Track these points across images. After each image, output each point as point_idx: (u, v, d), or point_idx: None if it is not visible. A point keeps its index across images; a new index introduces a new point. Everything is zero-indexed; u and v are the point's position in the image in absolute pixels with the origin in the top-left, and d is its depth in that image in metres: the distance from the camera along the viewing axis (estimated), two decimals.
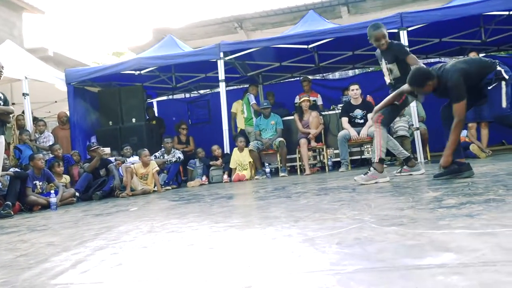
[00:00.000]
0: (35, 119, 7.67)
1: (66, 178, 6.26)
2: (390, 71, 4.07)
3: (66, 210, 4.73)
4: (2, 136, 4.51)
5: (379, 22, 4.19)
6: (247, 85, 8.66)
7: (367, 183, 3.78)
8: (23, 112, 7.59)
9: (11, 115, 4.63)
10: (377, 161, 3.90)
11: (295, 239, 1.77)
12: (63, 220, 3.63)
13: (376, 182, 3.78)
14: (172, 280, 1.37)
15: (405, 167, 4.38)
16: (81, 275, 1.55)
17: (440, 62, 9.12)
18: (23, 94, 7.19)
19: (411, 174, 4.26)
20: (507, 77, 3.30)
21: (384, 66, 4.12)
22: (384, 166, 4.02)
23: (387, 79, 4.17)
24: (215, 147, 7.21)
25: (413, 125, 6.56)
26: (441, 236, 1.54)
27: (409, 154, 4.41)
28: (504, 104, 3.29)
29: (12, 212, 4.74)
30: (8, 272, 1.72)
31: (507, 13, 6.50)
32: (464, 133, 6.70)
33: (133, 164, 6.36)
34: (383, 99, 4.28)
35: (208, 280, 1.33)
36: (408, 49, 4.19)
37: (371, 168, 3.91)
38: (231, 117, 8.38)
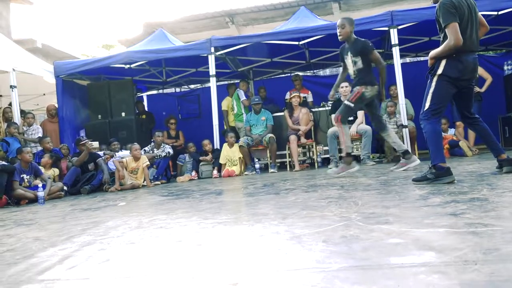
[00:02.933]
0: (23, 112, 7.58)
1: (54, 171, 6.21)
2: (354, 62, 4.46)
3: (54, 205, 4.69)
4: None
5: (351, 18, 4.65)
6: (236, 81, 8.65)
7: (338, 175, 4.40)
8: (10, 104, 7.50)
9: None
10: (345, 155, 4.51)
11: (282, 236, 1.79)
12: (51, 215, 3.61)
13: (347, 173, 4.40)
14: (159, 276, 1.38)
15: (402, 160, 4.56)
16: (68, 271, 1.55)
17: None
18: (11, 87, 7.08)
19: (407, 169, 4.42)
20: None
21: (349, 58, 4.51)
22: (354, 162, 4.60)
23: (351, 70, 4.55)
24: (206, 141, 7.20)
25: (402, 125, 6.62)
26: (425, 234, 1.57)
27: (406, 148, 4.63)
28: None
29: None
30: None
31: (495, 13, 6.56)
32: (452, 131, 6.79)
33: (122, 158, 6.33)
34: None
35: (195, 276, 1.34)
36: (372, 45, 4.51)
37: (341, 162, 4.50)
38: (223, 116, 8.38)
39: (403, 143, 6.46)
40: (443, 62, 3.21)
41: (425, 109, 3.24)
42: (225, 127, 8.23)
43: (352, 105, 4.49)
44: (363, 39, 4.52)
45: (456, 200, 2.24)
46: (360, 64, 4.45)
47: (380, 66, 4.55)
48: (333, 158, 6.43)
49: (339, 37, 4.54)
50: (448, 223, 1.72)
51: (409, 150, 4.93)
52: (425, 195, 2.57)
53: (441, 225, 1.69)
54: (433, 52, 3.30)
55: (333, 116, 6.62)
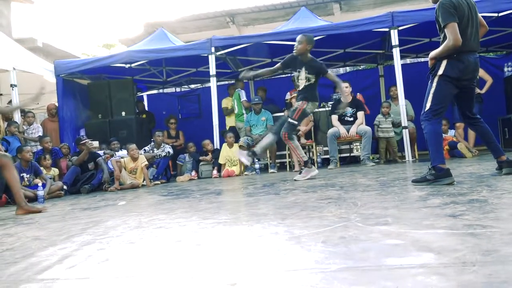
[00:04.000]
0: (23, 111, 7.58)
1: (54, 171, 6.21)
2: (308, 79, 4.72)
3: (54, 204, 4.70)
4: None
5: (312, 37, 4.95)
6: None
7: (303, 179, 4.60)
8: (9, 102, 7.50)
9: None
10: (303, 164, 4.81)
11: (281, 237, 1.79)
12: (50, 214, 3.61)
13: (311, 176, 4.67)
14: (158, 276, 1.38)
15: (304, 170, 4.78)
16: (68, 270, 1.55)
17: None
18: (11, 85, 7.09)
19: (309, 178, 4.65)
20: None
21: (303, 73, 4.74)
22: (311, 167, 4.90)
23: (301, 84, 4.78)
24: (206, 141, 7.20)
25: (398, 123, 6.63)
26: (424, 236, 1.57)
27: (307, 158, 4.94)
28: None
29: None
30: None
31: (496, 15, 6.57)
32: (451, 132, 6.79)
33: (122, 158, 6.34)
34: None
35: (194, 276, 1.35)
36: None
37: (303, 168, 4.79)
38: (226, 113, 8.35)
39: (404, 144, 6.49)
40: (444, 62, 3.20)
41: (425, 109, 3.23)
42: (226, 127, 8.22)
43: (296, 122, 4.76)
44: (319, 61, 4.84)
45: (455, 202, 2.24)
46: (312, 81, 4.72)
47: (336, 83, 4.90)
48: (333, 159, 6.44)
49: (294, 51, 4.80)
50: (447, 224, 1.72)
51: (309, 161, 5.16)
52: (425, 196, 2.57)
53: (440, 227, 1.69)
54: (433, 53, 3.29)
55: (332, 116, 6.68)
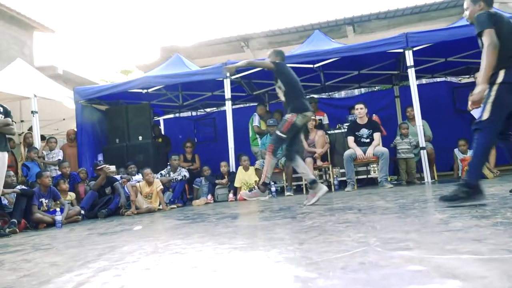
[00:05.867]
0: (43, 138, 7.73)
1: (71, 196, 6.28)
2: (279, 87, 4.57)
3: (71, 229, 4.72)
4: (5, 153, 4.53)
5: (278, 50, 4.80)
6: (254, 104, 8.68)
7: (250, 199, 4.57)
8: (30, 128, 7.67)
9: (11, 127, 4.62)
10: (261, 183, 4.54)
11: (299, 262, 1.75)
12: (68, 239, 3.62)
13: (257, 199, 4.57)
14: None
15: (310, 191, 4.50)
16: None
17: (446, 81, 9.15)
18: (32, 112, 7.27)
19: (318, 199, 4.36)
20: None
21: (276, 87, 4.67)
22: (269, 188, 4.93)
23: (281, 97, 4.67)
24: (223, 163, 7.22)
25: (416, 146, 6.56)
26: (447, 261, 1.51)
27: (314, 177, 4.59)
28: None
29: (17, 230, 4.75)
30: None
31: None
32: (471, 152, 6.66)
33: (138, 182, 6.37)
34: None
35: None
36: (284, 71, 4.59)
37: (256, 187, 4.63)
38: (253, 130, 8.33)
39: (423, 165, 6.38)
40: (502, 72, 3.03)
41: (482, 119, 3.04)
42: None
43: (284, 136, 4.43)
44: (281, 64, 4.68)
45: (478, 225, 2.17)
46: (283, 87, 4.50)
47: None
48: (350, 181, 6.35)
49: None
50: (471, 249, 1.66)
51: (316, 179, 4.78)
52: (446, 219, 2.49)
53: (464, 251, 1.63)
54: (480, 75, 3.09)
55: (349, 138, 6.63)
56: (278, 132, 4.44)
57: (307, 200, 4.44)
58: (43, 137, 7.79)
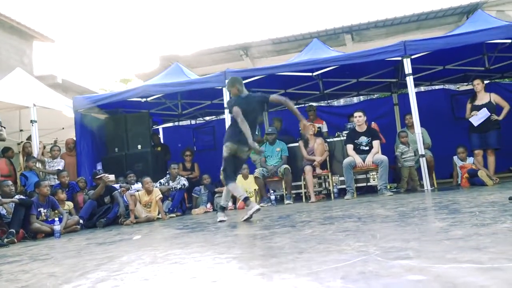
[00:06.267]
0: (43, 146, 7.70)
1: (69, 205, 6.25)
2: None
3: (70, 238, 4.70)
4: None
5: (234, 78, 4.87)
6: None
7: (218, 220, 4.54)
8: (29, 137, 7.66)
9: (1, 132, 4.59)
10: (219, 207, 4.85)
11: (299, 272, 1.74)
12: (66, 249, 3.60)
13: (219, 220, 4.54)
14: None
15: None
16: None
17: (444, 89, 9.18)
18: (31, 121, 7.27)
19: (251, 215, 4.31)
20: None
21: None
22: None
23: None
24: None
25: (415, 153, 6.56)
26: (447, 270, 1.50)
27: (225, 205, 4.86)
28: None
29: (15, 240, 4.72)
30: None
31: (509, 41, 6.55)
32: (470, 160, 6.66)
33: (137, 191, 6.35)
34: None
35: None
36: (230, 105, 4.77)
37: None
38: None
39: (422, 173, 6.37)
40: None
41: None
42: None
43: (222, 167, 4.70)
44: (232, 98, 4.83)
45: (478, 233, 2.16)
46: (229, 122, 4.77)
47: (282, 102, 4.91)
48: (350, 189, 6.34)
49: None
50: (471, 258, 1.65)
51: (226, 207, 5.07)
52: (446, 227, 2.49)
53: (464, 260, 1.62)
54: None
55: (348, 146, 6.62)
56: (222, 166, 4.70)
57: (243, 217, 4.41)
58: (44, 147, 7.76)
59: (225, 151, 4.65)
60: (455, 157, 6.83)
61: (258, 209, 4.37)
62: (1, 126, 4.66)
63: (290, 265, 1.89)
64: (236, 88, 4.73)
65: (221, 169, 4.70)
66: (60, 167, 7.27)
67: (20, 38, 12.46)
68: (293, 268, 1.82)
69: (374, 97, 10.35)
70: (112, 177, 6.51)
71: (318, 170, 6.88)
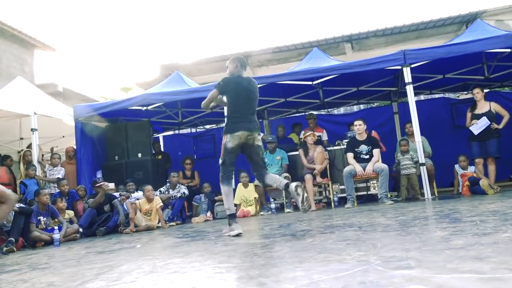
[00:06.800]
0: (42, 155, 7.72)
1: (69, 214, 6.23)
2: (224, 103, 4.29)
3: (69, 247, 4.68)
4: None
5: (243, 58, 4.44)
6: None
7: (224, 235, 3.93)
8: (29, 146, 7.66)
9: None
10: (229, 218, 4.01)
11: (299, 282, 1.73)
12: (65, 258, 3.58)
13: (228, 235, 3.86)
14: None
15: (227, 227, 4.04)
16: None
17: (444, 97, 9.20)
18: (32, 129, 7.28)
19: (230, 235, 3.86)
20: None
21: None
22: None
23: None
24: None
25: (417, 160, 6.54)
26: (448, 280, 1.50)
27: (287, 181, 3.93)
28: None
29: (15, 249, 4.70)
30: None
31: (509, 50, 6.57)
32: (471, 169, 6.65)
33: (137, 199, 6.34)
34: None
35: None
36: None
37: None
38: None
39: (423, 181, 6.36)
40: None
41: None
42: None
43: (221, 160, 4.03)
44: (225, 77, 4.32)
45: (479, 243, 2.15)
46: (223, 106, 4.15)
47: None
48: (350, 198, 6.33)
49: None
50: (472, 268, 1.64)
51: (289, 182, 3.95)
52: (447, 236, 2.48)
53: (465, 270, 1.61)
54: None
55: (348, 154, 6.62)
56: (220, 159, 4.08)
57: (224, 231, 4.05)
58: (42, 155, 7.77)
59: (231, 142, 3.96)
60: (456, 166, 6.83)
61: (239, 234, 3.78)
62: None
63: (290, 274, 1.88)
64: (235, 66, 4.31)
65: (220, 162, 4.04)
66: (60, 176, 7.26)
67: (21, 47, 12.53)
68: (293, 278, 1.81)
69: (374, 105, 10.38)
70: (112, 185, 6.51)
71: (319, 179, 6.88)
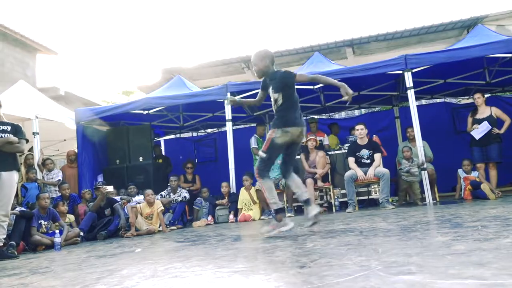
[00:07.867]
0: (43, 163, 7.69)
1: (70, 218, 6.23)
2: (275, 101, 3.90)
3: (70, 251, 4.68)
4: (14, 172, 4.50)
5: (262, 51, 3.98)
6: (255, 124, 8.72)
7: (270, 234, 3.76)
8: (31, 149, 7.67)
9: (17, 145, 4.56)
10: (274, 213, 3.92)
11: (300, 287, 1.72)
12: (66, 262, 3.58)
13: (279, 232, 3.74)
14: None
15: (272, 223, 3.90)
16: None
17: (445, 102, 9.20)
18: (33, 133, 7.29)
19: (278, 234, 3.75)
20: None
21: (272, 95, 3.95)
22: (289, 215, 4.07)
23: (274, 110, 3.97)
24: (224, 183, 7.19)
25: (419, 165, 6.54)
26: (450, 286, 1.49)
27: (308, 197, 3.93)
28: None
29: (16, 252, 4.70)
30: None
31: (510, 55, 6.58)
32: (475, 173, 6.64)
33: (138, 203, 6.34)
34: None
35: None
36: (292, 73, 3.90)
37: (273, 219, 3.89)
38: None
39: (424, 186, 6.35)
40: None
41: None
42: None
43: (264, 155, 3.83)
44: (282, 71, 3.94)
45: (481, 248, 2.14)
46: (280, 101, 3.85)
47: (316, 80, 4.12)
48: (351, 202, 6.32)
49: (257, 76, 4.09)
50: (474, 273, 1.64)
51: (310, 199, 4.02)
52: (449, 242, 2.47)
53: (467, 276, 1.61)
54: None
55: (349, 159, 6.62)
56: (260, 152, 3.91)
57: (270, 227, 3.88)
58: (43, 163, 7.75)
59: (280, 139, 3.77)
60: (459, 170, 6.82)
61: (291, 229, 3.72)
62: (24, 139, 4.65)
63: (291, 279, 1.88)
64: (269, 63, 3.95)
65: (264, 158, 3.83)
66: (60, 178, 7.27)
67: (23, 51, 12.58)
68: (294, 283, 1.80)
69: (375, 110, 10.38)
70: (110, 188, 6.49)
71: (320, 183, 6.87)
